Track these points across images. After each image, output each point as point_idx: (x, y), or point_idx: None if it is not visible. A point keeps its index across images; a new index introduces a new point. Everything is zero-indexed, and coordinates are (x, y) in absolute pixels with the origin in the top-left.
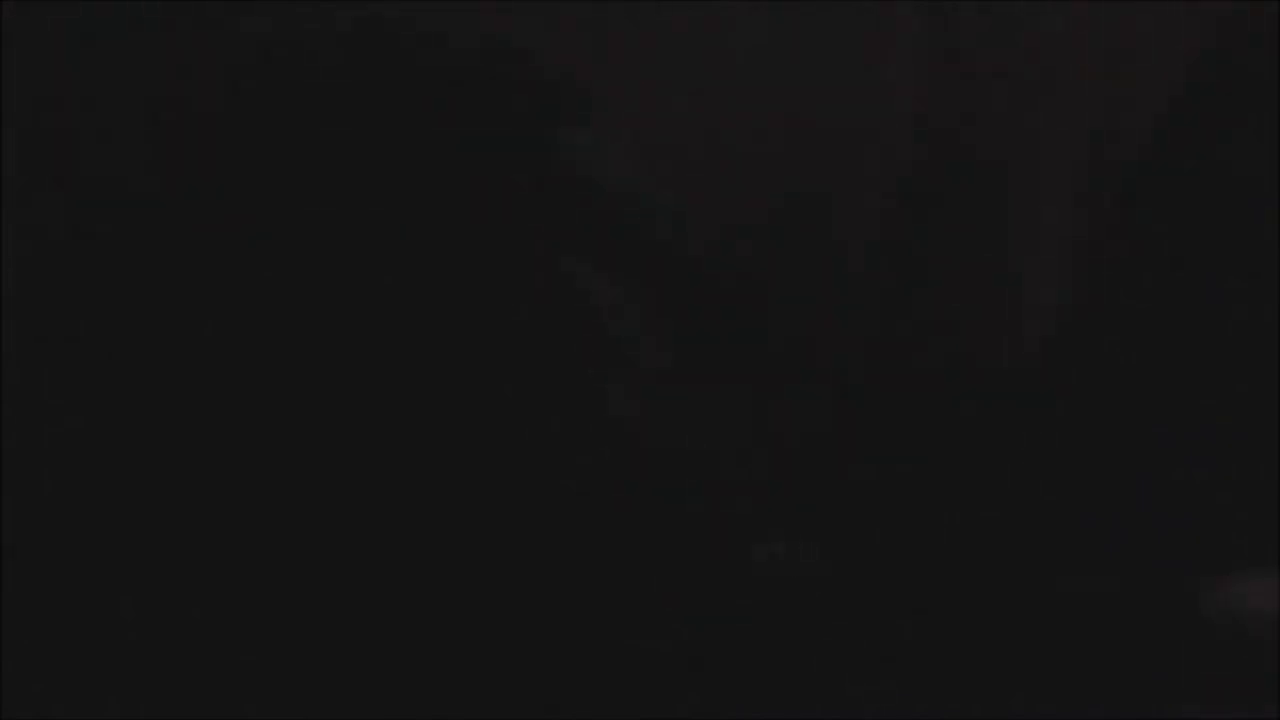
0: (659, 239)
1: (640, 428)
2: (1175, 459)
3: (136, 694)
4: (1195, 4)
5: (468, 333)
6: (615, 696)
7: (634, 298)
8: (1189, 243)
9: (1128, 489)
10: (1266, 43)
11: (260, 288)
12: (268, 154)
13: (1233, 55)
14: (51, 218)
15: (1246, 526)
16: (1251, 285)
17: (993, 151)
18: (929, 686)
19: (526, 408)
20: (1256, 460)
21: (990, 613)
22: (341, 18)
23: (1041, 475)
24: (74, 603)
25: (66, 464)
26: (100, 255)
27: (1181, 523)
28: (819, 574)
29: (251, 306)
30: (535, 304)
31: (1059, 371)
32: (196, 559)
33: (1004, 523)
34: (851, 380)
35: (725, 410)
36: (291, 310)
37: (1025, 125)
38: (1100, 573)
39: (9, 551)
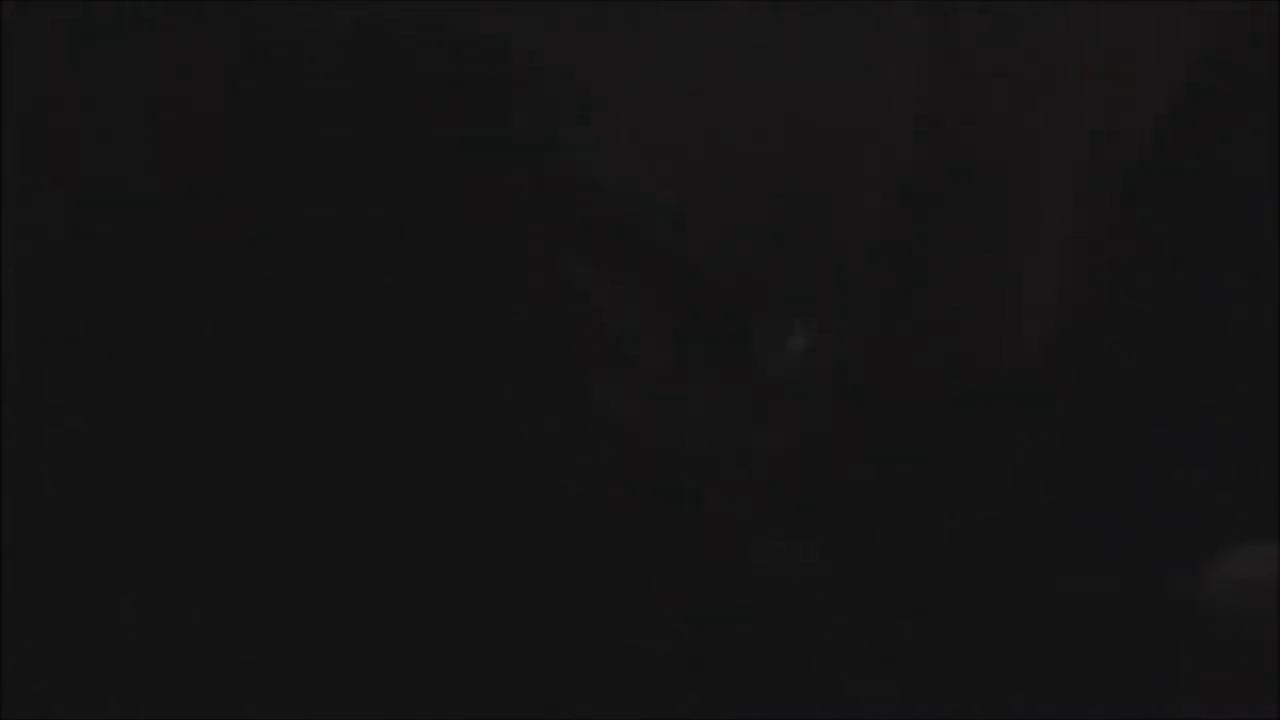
0: (659, 239)
1: (640, 428)
2: (1175, 459)
3: (136, 694)
4: (1195, 4)
5: (468, 333)
6: (615, 696)
7: (634, 298)
8: (1189, 243)
9: (1128, 489)
10: (1266, 43)
11: (260, 288)
12: (268, 154)
13: (1233, 55)
14: (51, 218)
15: (1247, 526)
16: (1251, 285)
17: (993, 151)
18: (929, 686)
19: (526, 407)
20: (1257, 460)
21: (990, 613)
22: (341, 18)
23: (1041, 475)
24: (74, 603)
25: (66, 464)
26: (100, 255)
27: (1181, 523)
28: (819, 574)
29: (252, 306)
30: (535, 304)
31: (1059, 371)
32: (196, 559)
33: (1004, 523)
34: (851, 380)
35: (725, 410)
36: (292, 311)
37: (1025, 125)
38: (1100, 573)
39: (9, 551)
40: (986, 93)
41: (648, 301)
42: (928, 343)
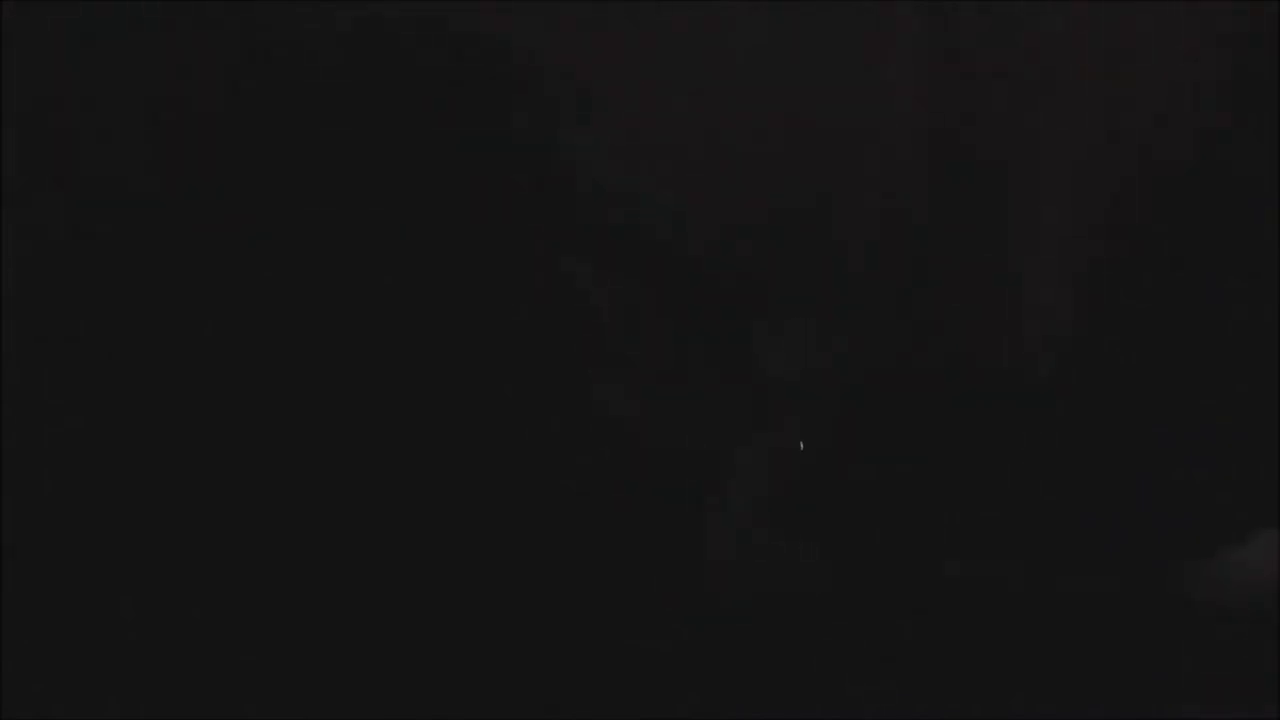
0: (659, 239)
1: (640, 428)
2: (1175, 459)
3: (136, 694)
4: (1195, 4)
5: (468, 333)
6: (615, 696)
7: (634, 298)
8: (1189, 243)
9: (1128, 489)
10: (1266, 43)
11: (260, 287)
12: (267, 154)
13: (1233, 55)
14: (51, 218)
15: (1247, 525)
16: (1251, 285)
17: (993, 151)
18: (929, 686)
19: (526, 407)
20: (1257, 460)
21: (990, 613)
22: (341, 18)
23: (1042, 475)
24: (74, 603)
25: (66, 464)
26: (100, 255)
27: (1182, 523)
28: (819, 574)
29: (251, 306)
30: (535, 304)
31: (1059, 371)
32: (196, 559)
33: (1004, 523)
34: (851, 380)
35: (725, 410)
36: (291, 310)
37: (1025, 125)
38: (1100, 573)
39: (9, 551)
40: (986, 93)
41: (648, 301)
42: (927, 342)
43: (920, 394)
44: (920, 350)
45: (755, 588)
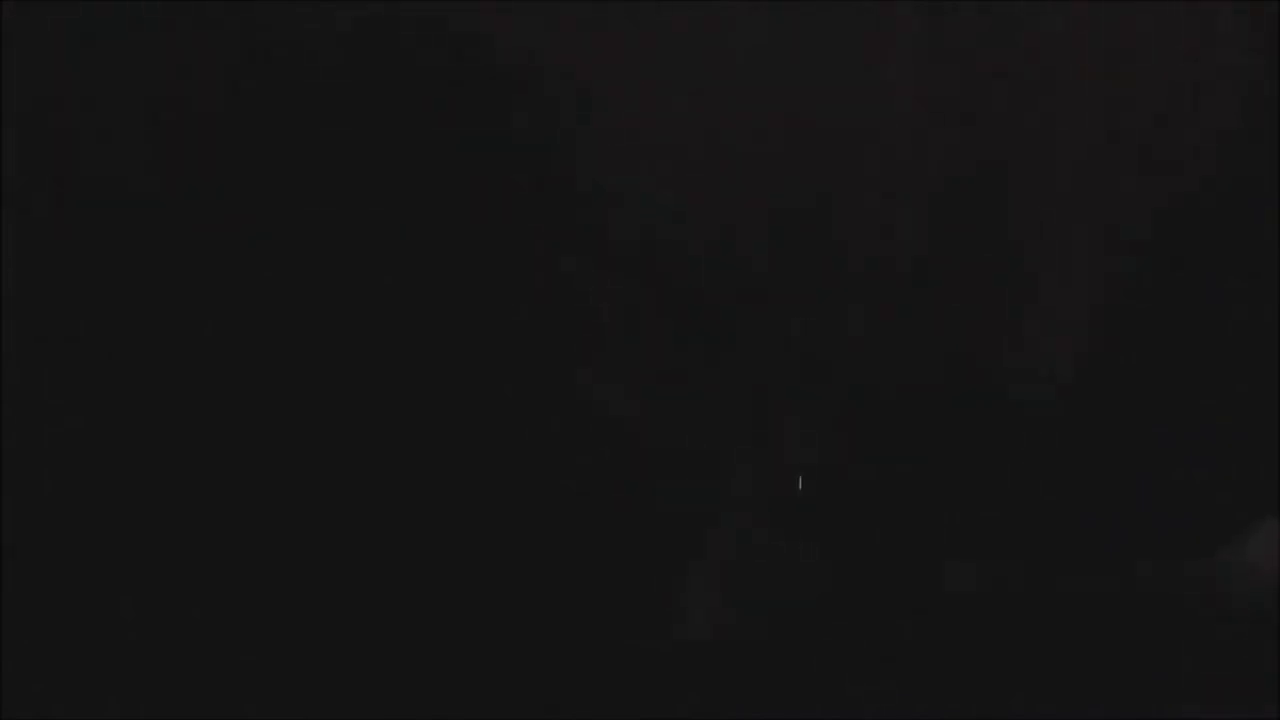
0: (659, 239)
1: (640, 428)
2: (1175, 459)
3: (136, 694)
4: (1195, 4)
5: (468, 332)
6: (615, 696)
7: (634, 298)
8: (1189, 242)
9: (1129, 489)
10: (1266, 43)
11: (261, 287)
12: (267, 154)
13: (1233, 55)
14: (51, 218)
15: (1247, 525)
16: (1252, 286)
17: (993, 151)
18: (929, 686)
19: (526, 407)
20: (1257, 461)
21: (990, 613)
22: (341, 18)
23: (1042, 475)
24: (74, 603)
25: (66, 464)
26: (100, 255)
27: (1182, 523)
28: (819, 574)
29: (251, 306)
30: (535, 304)
31: (1059, 371)
32: (195, 559)
33: (1004, 523)
34: (851, 380)
35: (725, 410)
36: (291, 310)
37: (1025, 125)
38: (1100, 573)
39: (9, 551)
40: (986, 93)
41: (648, 301)
42: (928, 343)
43: (919, 394)
44: (920, 350)
45: (755, 588)
